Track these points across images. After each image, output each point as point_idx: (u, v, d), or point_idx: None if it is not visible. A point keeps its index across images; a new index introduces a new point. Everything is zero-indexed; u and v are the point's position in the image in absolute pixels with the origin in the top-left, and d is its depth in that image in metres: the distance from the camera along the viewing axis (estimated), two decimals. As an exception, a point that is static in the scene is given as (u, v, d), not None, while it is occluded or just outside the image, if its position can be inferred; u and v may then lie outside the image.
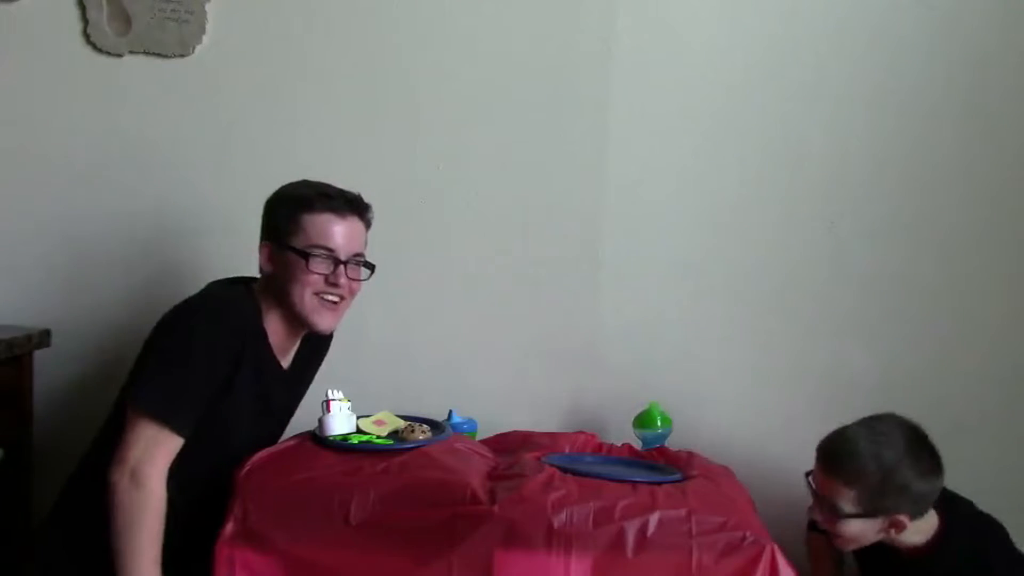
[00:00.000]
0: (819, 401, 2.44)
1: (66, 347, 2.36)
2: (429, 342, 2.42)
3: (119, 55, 2.39)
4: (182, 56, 2.39)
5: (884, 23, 2.40)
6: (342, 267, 1.90)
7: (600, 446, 2.17)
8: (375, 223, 2.37)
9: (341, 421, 1.89)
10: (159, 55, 2.39)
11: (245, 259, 2.38)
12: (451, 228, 2.42)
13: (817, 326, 2.44)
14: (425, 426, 1.94)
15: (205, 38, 2.39)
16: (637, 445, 2.22)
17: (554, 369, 2.44)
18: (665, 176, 2.44)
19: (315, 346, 2.06)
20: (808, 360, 2.44)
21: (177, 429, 1.73)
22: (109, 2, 2.38)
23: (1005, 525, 2.01)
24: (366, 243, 1.97)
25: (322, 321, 1.92)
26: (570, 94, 2.42)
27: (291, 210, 1.90)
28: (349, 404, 1.92)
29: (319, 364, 2.11)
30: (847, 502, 1.89)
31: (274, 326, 1.92)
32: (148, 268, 2.40)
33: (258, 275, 1.97)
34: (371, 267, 1.98)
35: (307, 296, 1.88)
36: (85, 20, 2.38)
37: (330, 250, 1.89)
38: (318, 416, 1.92)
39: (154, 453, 1.71)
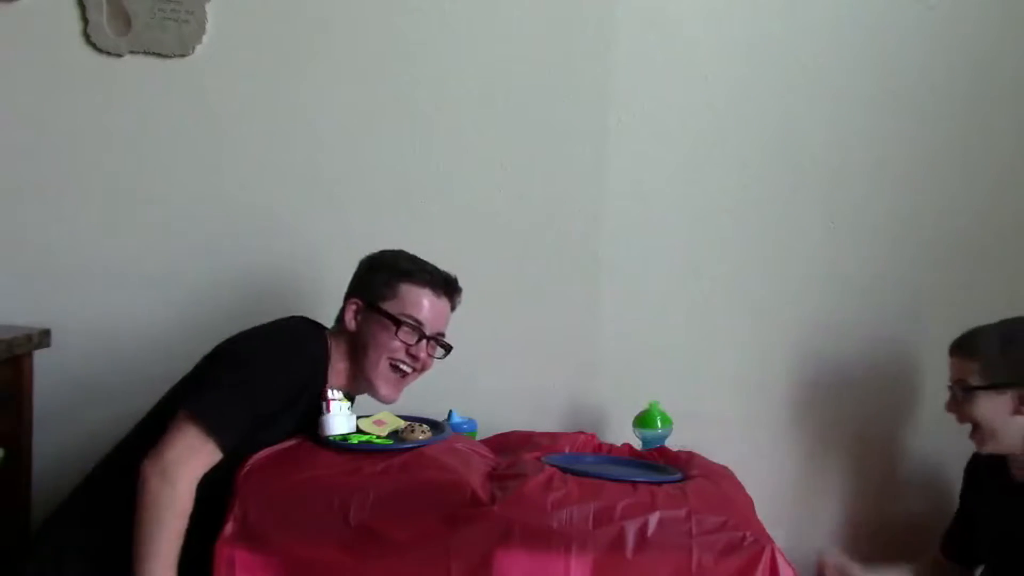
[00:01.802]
0: (818, 401, 2.45)
1: (66, 347, 2.36)
2: (429, 342, 2.42)
3: (119, 55, 2.39)
4: (182, 56, 2.39)
5: (883, 23, 2.41)
6: (424, 341, 1.95)
7: (600, 446, 2.17)
8: (378, 224, 2.39)
9: (341, 421, 1.89)
10: (159, 55, 2.39)
11: (245, 258, 2.40)
12: (451, 228, 2.42)
13: (817, 326, 2.44)
14: (425, 426, 1.94)
15: (205, 38, 2.39)
16: (637, 445, 2.22)
17: (554, 369, 2.44)
18: (665, 176, 2.44)
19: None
20: (808, 359, 2.44)
21: (221, 445, 1.73)
22: (109, 2, 2.38)
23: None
24: (447, 323, 2.02)
25: (387, 390, 1.96)
26: (570, 94, 2.42)
27: (391, 276, 1.95)
28: (349, 404, 1.92)
29: None
30: (974, 376, 1.98)
31: (336, 378, 1.95)
32: (147, 267, 2.40)
33: (324, 322, 2.01)
34: (448, 348, 2.02)
35: (382, 361, 1.93)
36: (85, 20, 2.38)
37: (419, 323, 1.94)
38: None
39: (191, 459, 1.71)
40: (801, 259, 2.44)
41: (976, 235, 2.42)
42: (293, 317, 1.99)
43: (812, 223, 2.44)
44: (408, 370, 1.96)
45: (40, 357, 2.33)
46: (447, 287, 1.99)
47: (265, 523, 1.70)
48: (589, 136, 2.42)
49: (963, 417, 2.03)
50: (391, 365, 1.94)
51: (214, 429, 1.72)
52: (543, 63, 2.41)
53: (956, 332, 2.39)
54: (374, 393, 1.97)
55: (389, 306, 1.93)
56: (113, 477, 1.81)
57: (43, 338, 2.32)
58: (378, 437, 1.90)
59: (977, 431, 2.02)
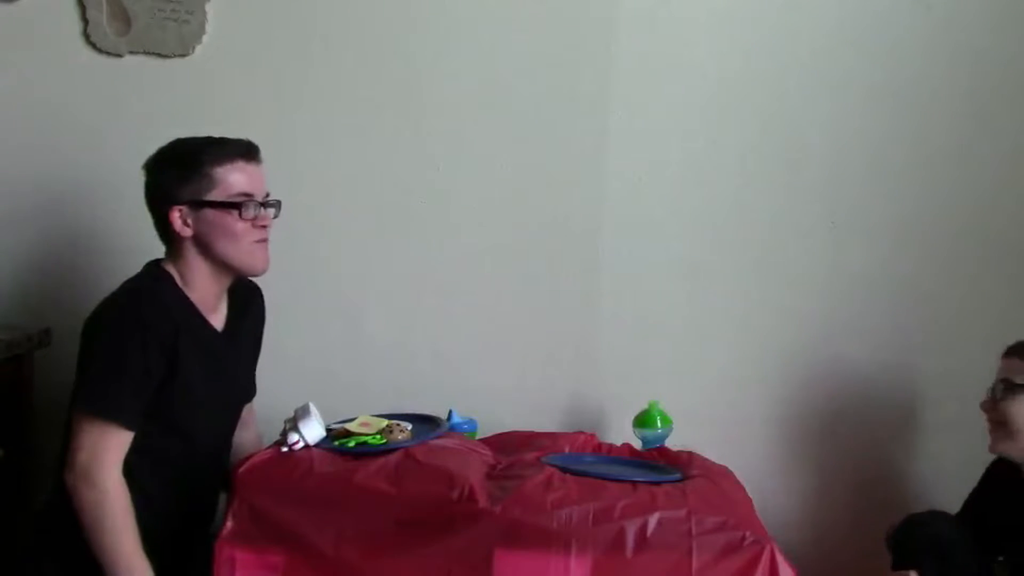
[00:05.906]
0: (818, 401, 2.45)
1: (66, 347, 2.34)
2: (429, 342, 2.42)
3: (119, 55, 2.39)
4: (182, 56, 2.39)
5: (883, 23, 2.40)
6: (262, 209, 1.92)
7: (600, 446, 2.17)
8: (378, 224, 2.39)
9: (316, 427, 1.85)
10: (159, 55, 2.39)
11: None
12: (451, 228, 2.42)
13: (817, 326, 2.44)
14: (405, 424, 1.92)
15: (205, 38, 2.39)
16: (637, 445, 2.22)
17: (554, 369, 2.44)
18: (665, 176, 2.44)
19: (244, 300, 2.03)
20: (808, 360, 2.44)
21: (123, 423, 1.74)
22: (109, 2, 2.38)
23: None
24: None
25: (259, 263, 1.93)
26: (570, 94, 2.42)
27: (199, 166, 1.88)
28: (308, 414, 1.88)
29: (257, 321, 2.09)
30: (1021, 375, 2.01)
31: (198, 293, 1.90)
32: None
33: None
34: (279, 205, 1.98)
35: (244, 245, 1.89)
36: (85, 20, 2.38)
37: (251, 195, 1.90)
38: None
39: (103, 452, 1.72)
40: (802, 259, 2.44)
41: (977, 235, 2.42)
42: (127, 280, 1.94)
43: (813, 223, 2.43)
44: (265, 237, 1.93)
45: (40, 357, 2.33)
46: (250, 151, 1.93)
47: (265, 523, 1.70)
48: (589, 136, 2.42)
49: (994, 415, 2.04)
50: (252, 243, 1.91)
51: (109, 415, 1.73)
52: (544, 63, 2.41)
53: (957, 331, 2.41)
54: (250, 272, 1.94)
55: (216, 195, 1.86)
56: (61, 492, 1.79)
57: (43, 338, 2.32)
58: (371, 438, 1.89)
59: (1000, 429, 2.03)
